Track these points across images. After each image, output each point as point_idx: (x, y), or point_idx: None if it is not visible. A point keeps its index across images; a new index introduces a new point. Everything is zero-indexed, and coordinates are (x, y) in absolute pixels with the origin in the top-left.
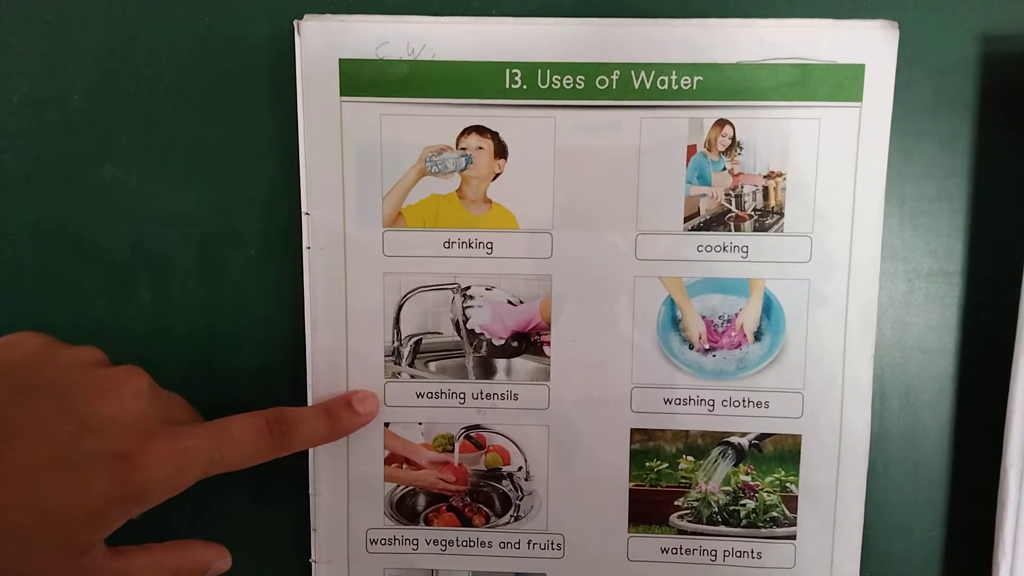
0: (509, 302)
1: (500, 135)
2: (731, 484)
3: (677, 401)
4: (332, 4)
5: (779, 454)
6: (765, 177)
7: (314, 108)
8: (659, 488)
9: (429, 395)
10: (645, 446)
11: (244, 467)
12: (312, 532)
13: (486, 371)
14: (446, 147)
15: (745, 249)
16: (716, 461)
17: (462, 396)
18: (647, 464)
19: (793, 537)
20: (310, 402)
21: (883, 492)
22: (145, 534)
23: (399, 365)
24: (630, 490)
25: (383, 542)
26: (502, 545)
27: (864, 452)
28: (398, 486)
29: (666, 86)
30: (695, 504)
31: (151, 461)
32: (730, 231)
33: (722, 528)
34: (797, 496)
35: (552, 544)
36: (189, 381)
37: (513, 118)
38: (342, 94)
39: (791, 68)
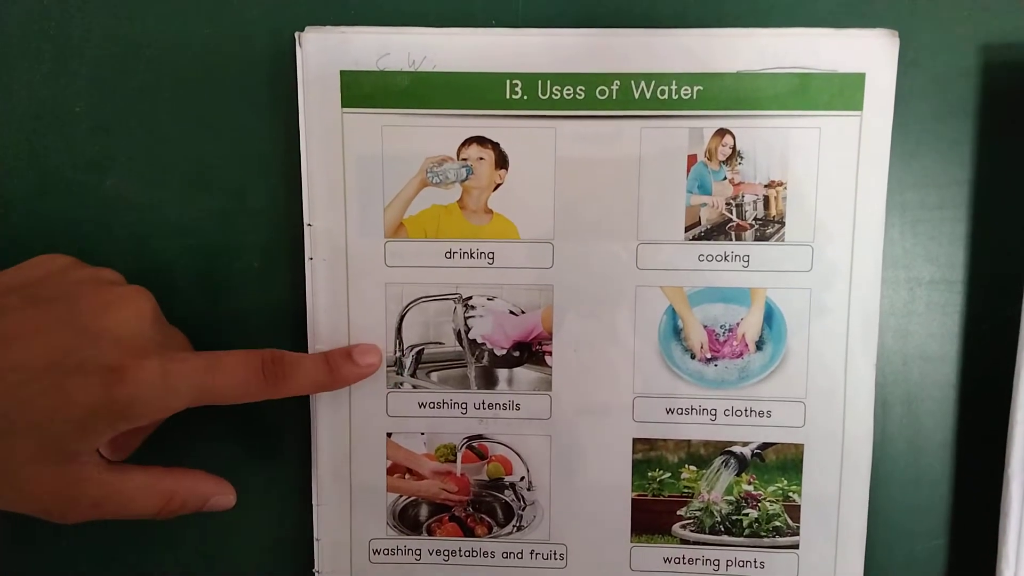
0: (511, 312)
1: (501, 145)
2: (734, 493)
3: (679, 411)
4: (333, 16)
5: (781, 463)
6: (766, 186)
7: (315, 119)
8: (661, 498)
9: (431, 405)
10: (647, 456)
11: (235, 402)
12: (315, 542)
13: (488, 381)
14: (447, 158)
15: (746, 258)
16: (718, 470)
17: (464, 406)
18: (649, 474)
19: (796, 546)
20: (313, 413)
21: (885, 501)
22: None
23: (401, 375)
24: (632, 500)
25: (386, 552)
26: (504, 555)
27: (866, 461)
28: (400, 496)
29: (666, 96)
30: (697, 514)
31: (139, 377)
32: (731, 240)
33: (725, 538)
34: (800, 505)
35: (555, 554)
36: None
37: (514, 128)
38: (343, 105)
39: (791, 77)
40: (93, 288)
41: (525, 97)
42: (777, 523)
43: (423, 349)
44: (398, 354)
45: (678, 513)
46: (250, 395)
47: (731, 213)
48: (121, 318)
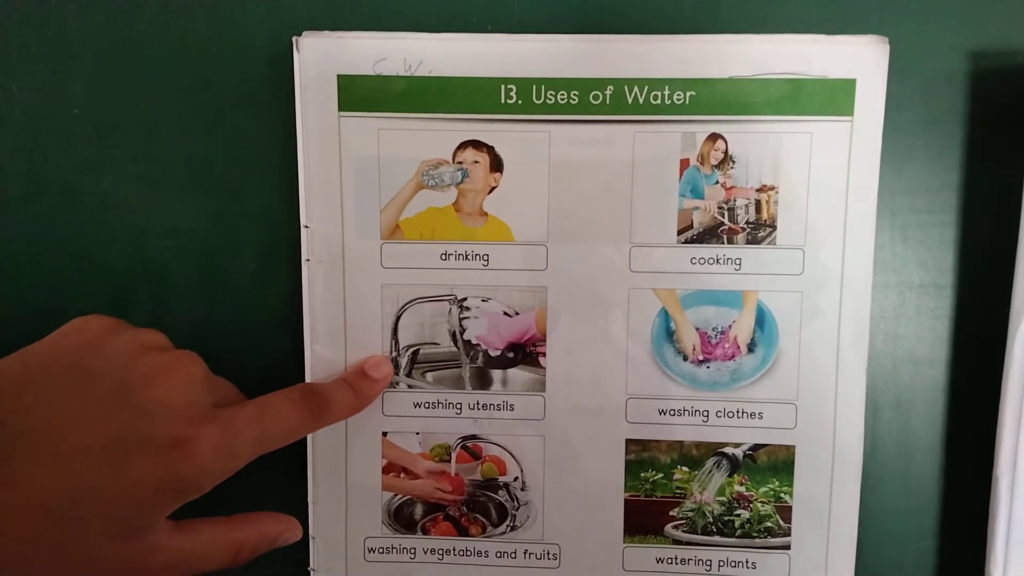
0: (505, 313)
1: (496, 149)
2: (725, 494)
3: (671, 412)
4: (330, 21)
5: (773, 464)
6: (757, 190)
7: (313, 123)
8: (654, 498)
9: (426, 405)
10: (640, 456)
11: (287, 443)
12: (311, 540)
13: (482, 382)
14: (443, 161)
15: (738, 262)
16: (711, 471)
17: (459, 406)
18: (642, 474)
19: (787, 547)
20: None
21: (876, 502)
22: None
23: (397, 375)
24: (625, 500)
25: (381, 551)
26: (498, 555)
27: (857, 462)
28: (395, 495)
29: (659, 101)
30: (690, 514)
31: (202, 449)
32: (723, 244)
33: (717, 538)
34: (791, 506)
35: (548, 554)
36: None
37: (508, 132)
38: (340, 109)
39: (783, 83)
40: (140, 357)
41: (520, 101)
42: (769, 524)
43: (418, 349)
44: (394, 354)
45: (670, 514)
46: (300, 432)
47: (723, 217)
48: (173, 387)
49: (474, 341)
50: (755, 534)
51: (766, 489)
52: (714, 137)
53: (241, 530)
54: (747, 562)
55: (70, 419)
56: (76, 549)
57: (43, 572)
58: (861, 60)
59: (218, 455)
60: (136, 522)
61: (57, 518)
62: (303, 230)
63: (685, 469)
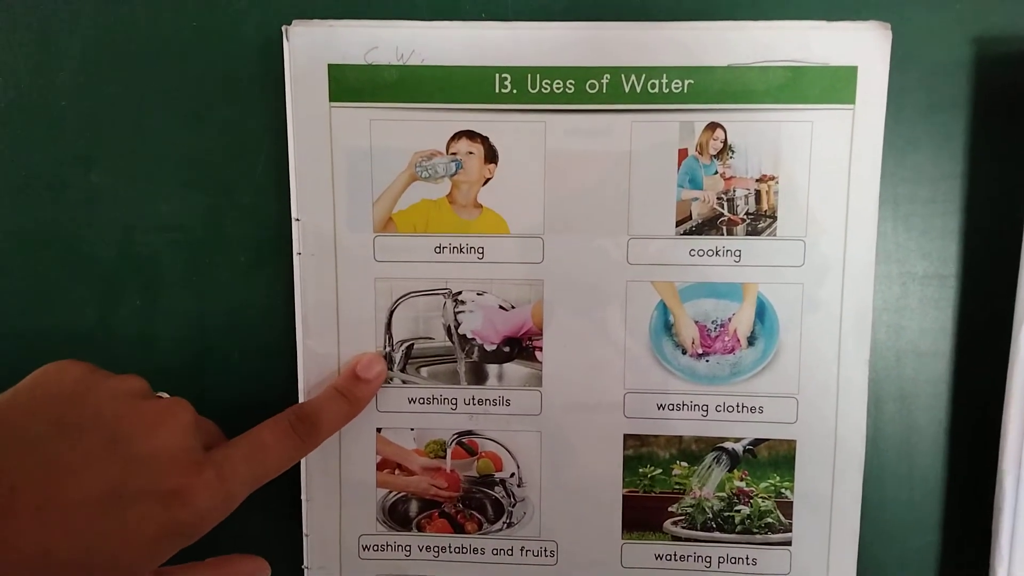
0: (500, 307)
1: (490, 140)
2: (725, 490)
3: (670, 406)
4: (321, 9)
5: (774, 459)
6: (757, 180)
7: (303, 114)
8: (653, 494)
9: (421, 400)
10: (638, 452)
11: (282, 472)
12: (304, 538)
13: (478, 376)
14: (436, 152)
15: (738, 253)
16: (710, 467)
17: (454, 402)
18: (640, 470)
19: (788, 543)
20: None
21: (879, 497)
22: None
23: (391, 370)
24: (623, 496)
25: (375, 548)
26: (495, 552)
27: (859, 457)
28: (390, 492)
29: (657, 89)
30: (689, 510)
31: (202, 495)
32: (722, 235)
33: (717, 534)
34: (792, 502)
35: (545, 551)
36: (179, 388)
37: (503, 123)
38: (331, 100)
39: (783, 70)
40: (128, 407)
41: (515, 91)
42: (769, 520)
43: (413, 344)
44: (388, 349)
45: (670, 510)
46: (294, 460)
47: (722, 207)
48: (168, 437)
49: (469, 335)
50: (755, 530)
51: (767, 484)
52: (713, 126)
53: (216, 573)
54: (747, 558)
55: (64, 472)
56: None
57: None
58: (863, 47)
59: (216, 499)
60: (134, 572)
61: (58, 574)
62: (294, 223)
63: (684, 464)
